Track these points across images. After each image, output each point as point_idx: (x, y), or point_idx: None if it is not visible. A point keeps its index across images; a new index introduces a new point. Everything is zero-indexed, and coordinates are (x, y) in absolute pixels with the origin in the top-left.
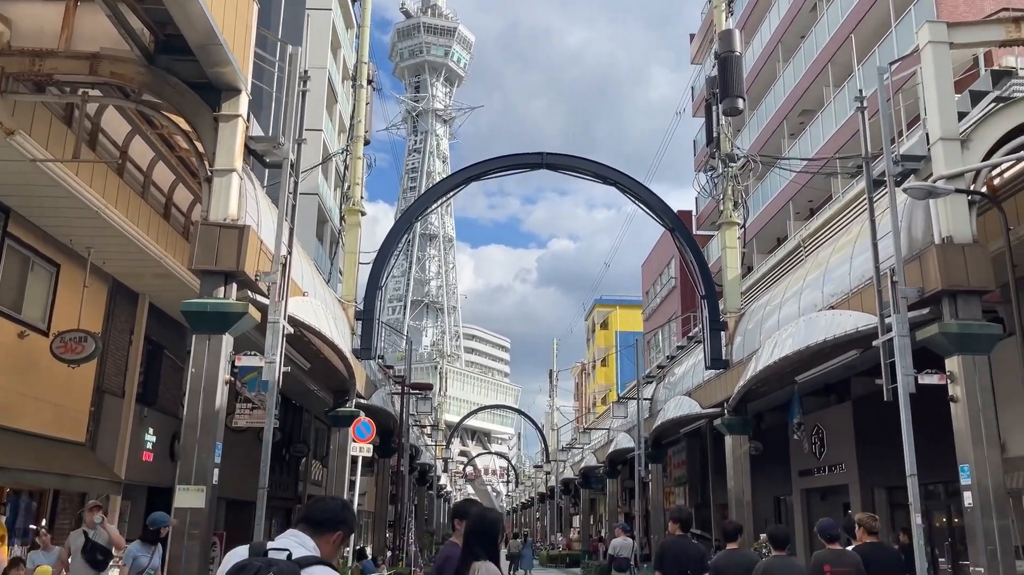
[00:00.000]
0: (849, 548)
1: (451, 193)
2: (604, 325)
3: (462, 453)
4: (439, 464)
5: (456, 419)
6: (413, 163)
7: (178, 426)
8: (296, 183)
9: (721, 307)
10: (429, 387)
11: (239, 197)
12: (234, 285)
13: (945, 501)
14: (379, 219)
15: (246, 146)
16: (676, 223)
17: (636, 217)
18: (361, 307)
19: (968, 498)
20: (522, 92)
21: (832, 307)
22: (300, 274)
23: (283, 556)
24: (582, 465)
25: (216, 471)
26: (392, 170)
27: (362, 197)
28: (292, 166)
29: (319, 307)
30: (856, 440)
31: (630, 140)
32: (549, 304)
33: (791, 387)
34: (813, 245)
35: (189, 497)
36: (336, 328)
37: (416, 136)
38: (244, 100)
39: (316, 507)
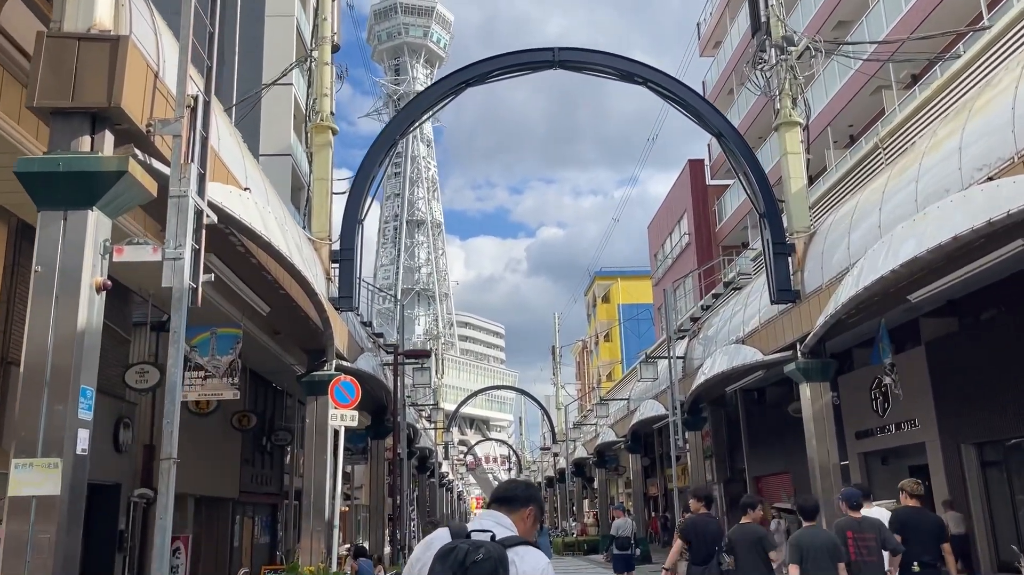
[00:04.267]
0: (877, 510)
1: (443, 102)
2: (606, 298)
3: (461, 442)
4: (439, 450)
5: (453, 408)
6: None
7: (123, 409)
8: None
9: (784, 226)
10: (427, 354)
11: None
12: (107, 134)
13: None
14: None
15: None
16: (725, 126)
17: (628, 200)
18: (338, 247)
19: None
20: (504, 83)
21: (990, 179)
22: (240, 164)
23: (487, 537)
24: (598, 442)
25: (85, 434)
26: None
27: (332, 112)
28: None
29: (268, 214)
30: (934, 391)
31: (614, 123)
32: (541, 293)
33: (877, 319)
34: (896, 144)
35: (31, 477)
36: (301, 258)
37: None
38: None
39: (505, 486)
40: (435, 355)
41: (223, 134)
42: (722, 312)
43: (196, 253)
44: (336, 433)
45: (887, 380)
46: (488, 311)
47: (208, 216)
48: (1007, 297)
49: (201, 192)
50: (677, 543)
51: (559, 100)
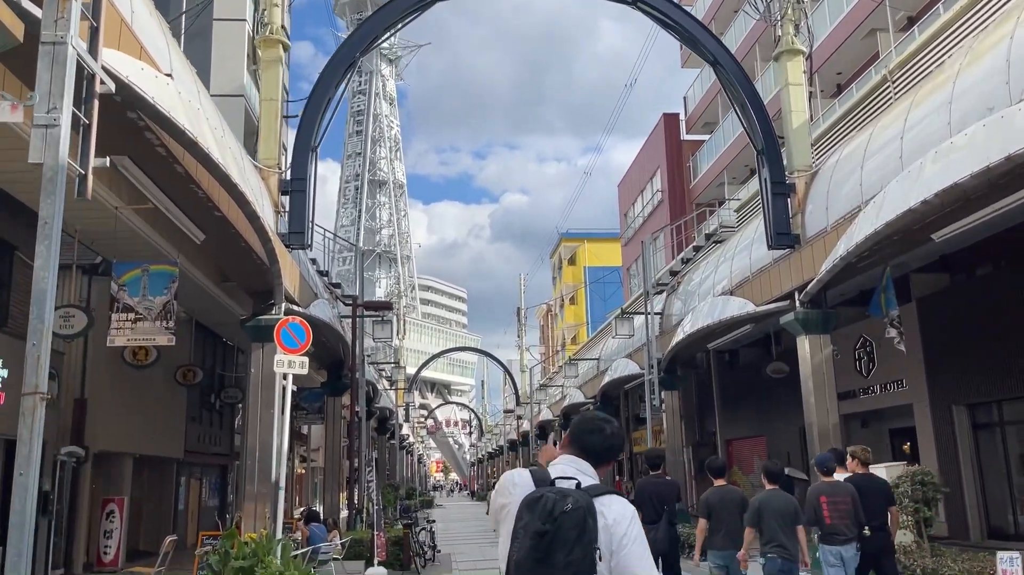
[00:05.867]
0: (840, 479)
1: (409, 17)
2: (572, 261)
3: (422, 405)
4: (400, 412)
5: (414, 371)
6: (359, 105)
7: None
8: None
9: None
10: (388, 306)
11: None
12: None
13: None
14: (327, 178)
15: None
16: (721, 52)
17: (593, 168)
18: (288, 177)
19: None
20: (472, 46)
21: None
22: (162, 51)
23: (572, 485)
24: (565, 403)
25: None
26: (339, 127)
27: (283, 26)
28: None
29: (198, 113)
30: (925, 350)
31: (580, 92)
32: (504, 259)
33: (879, 269)
34: (910, 75)
35: None
36: (240, 172)
37: (360, 78)
38: None
39: (588, 428)
40: (396, 315)
41: (138, 8)
42: (703, 265)
43: (86, 129)
44: (284, 385)
45: (892, 333)
46: (451, 277)
47: (103, 83)
48: (1002, 253)
49: (93, 50)
50: None
51: (526, 66)
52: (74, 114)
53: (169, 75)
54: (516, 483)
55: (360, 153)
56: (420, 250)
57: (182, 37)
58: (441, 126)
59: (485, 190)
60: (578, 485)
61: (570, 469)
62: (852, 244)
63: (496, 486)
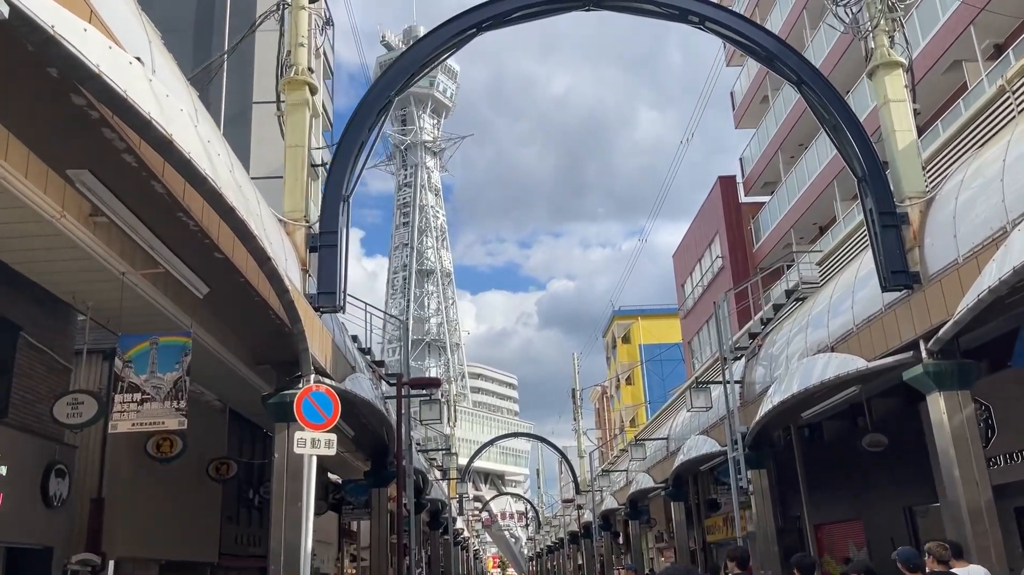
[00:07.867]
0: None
1: (448, 52)
2: (626, 339)
3: (476, 497)
4: (454, 504)
5: (466, 462)
6: (404, 198)
7: (57, 452)
8: None
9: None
10: (437, 383)
11: None
12: None
13: None
14: (378, 274)
15: None
16: (806, 70)
17: (638, 252)
18: (317, 231)
19: None
20: (513, 140)
21: None
22: (139, 37)
23: None
24: (632, 489)
25: None
26: (386, 220)
27: (310, 69)
28: None
29: (178, 112)
30: None
31: (621, 179)
32: (553, 345)
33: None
34: None
35: None
36: (242, 198)
37: (406, 171)
38: None
39: (674, 570)
40: (447, 402)
41: None
42: (787, 325)
43: None
44: (310, 470)
45: None
46: (500, 365)
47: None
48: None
49: None
50: None
51: (567, 156)
52: None
53: (138, 59)
54: None
55: (407, 244)
56: (469, 339)
57: (222, 121)
58: (486, 218)
59: (532, 278)
60: None
61: None
62: (1008, 269)
63: None
